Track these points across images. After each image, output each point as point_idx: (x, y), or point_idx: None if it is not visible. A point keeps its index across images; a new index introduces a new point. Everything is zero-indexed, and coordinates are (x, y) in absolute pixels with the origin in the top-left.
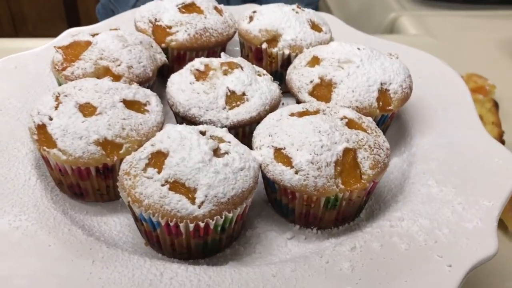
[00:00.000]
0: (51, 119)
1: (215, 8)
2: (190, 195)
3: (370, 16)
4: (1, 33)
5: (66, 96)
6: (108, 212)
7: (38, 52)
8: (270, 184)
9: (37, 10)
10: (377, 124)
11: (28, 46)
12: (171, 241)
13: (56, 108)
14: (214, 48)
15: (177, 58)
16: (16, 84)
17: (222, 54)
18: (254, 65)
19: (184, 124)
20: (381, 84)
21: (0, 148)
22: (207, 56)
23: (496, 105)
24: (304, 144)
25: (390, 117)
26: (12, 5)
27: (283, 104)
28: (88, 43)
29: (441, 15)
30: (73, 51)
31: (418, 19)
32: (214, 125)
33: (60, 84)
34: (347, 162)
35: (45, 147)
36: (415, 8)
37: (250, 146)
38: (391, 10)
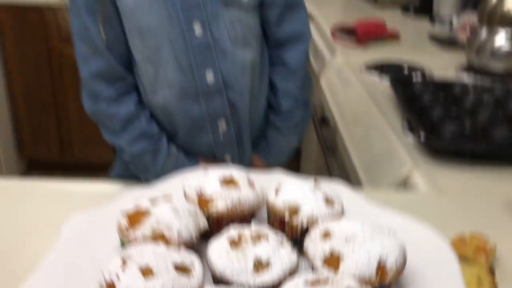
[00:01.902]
0: (119, 278)
1: (248, 181)
2: None
3: (387, 168)
4: (48, 153)
5: (130, 259)
6: None
7: (105, 211)
8: None
9: (84, 135)
10: None
11: (78, 189)
12: None
13: (123, 269)
14: (246, 216)
15: (215, 223)
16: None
17: (253, 223)
18: (278, 233)
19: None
20: (380, 258)
21: None
22: (240, 221)
23: (492, 272)
24: None
25: (387, 286)
26: (62, 130)
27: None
28: (148, 213)
29: (453, 172)
30: (136, 218)
31: (429, 175)
32: (242, 286)
33: (122, 243)
34: None
35: None
36: (427, 165)
37: None
38: (405, 165)
